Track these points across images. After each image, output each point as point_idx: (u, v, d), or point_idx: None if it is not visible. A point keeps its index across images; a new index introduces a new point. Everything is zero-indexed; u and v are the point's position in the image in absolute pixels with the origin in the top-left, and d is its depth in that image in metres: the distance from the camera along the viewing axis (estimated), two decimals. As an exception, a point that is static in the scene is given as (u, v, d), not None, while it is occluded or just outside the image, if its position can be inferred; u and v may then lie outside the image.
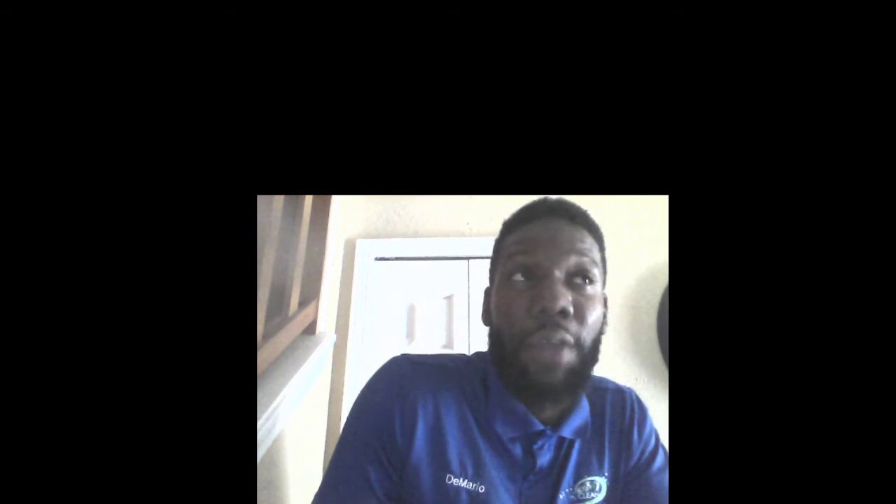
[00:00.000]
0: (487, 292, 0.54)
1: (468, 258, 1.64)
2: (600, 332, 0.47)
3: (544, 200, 0.51)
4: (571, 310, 0.43)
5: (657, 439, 0.54)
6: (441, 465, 0.45)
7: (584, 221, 0.49)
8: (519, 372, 0.44)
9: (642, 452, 0.52)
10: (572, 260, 0.45)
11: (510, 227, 0.51)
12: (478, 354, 0.54)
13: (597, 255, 0.48)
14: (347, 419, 0.50)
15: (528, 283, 0.45)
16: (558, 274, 0.44)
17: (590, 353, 0.45)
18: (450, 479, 0.45)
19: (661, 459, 0.52)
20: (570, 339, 0.43)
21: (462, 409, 0.48)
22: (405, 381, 0.48)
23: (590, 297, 0.45)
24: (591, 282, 0.46)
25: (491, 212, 1.66)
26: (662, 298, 1.54)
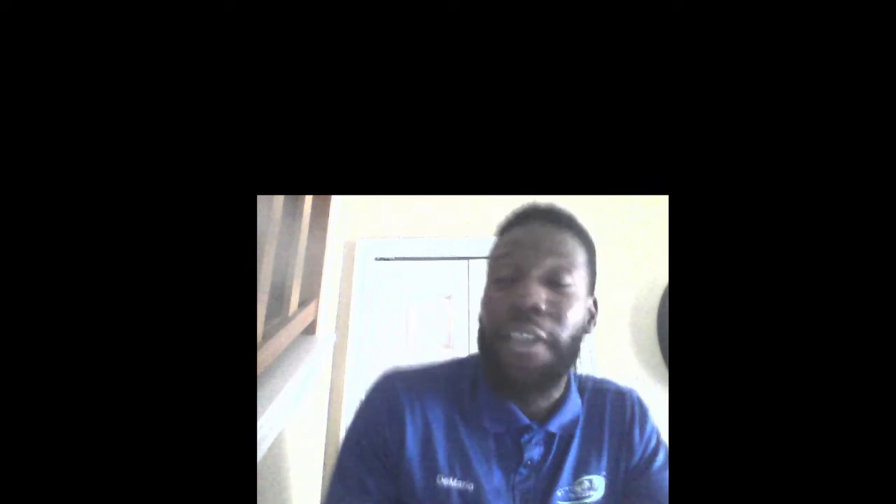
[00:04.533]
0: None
1: (468, 258, 1.64)
2: (581, 331, 0.49)
3: (533, 205, 0.53)
4: (543, 307, 0.45)
5: (658, 438, 0.55)
6: (431, 467, 0.48)
7: (569, 226, 0.51)
8: (496, 364, 0.47)
9: (644, 451, 0.53)
10: (549, 261, 0.48)
11: (501, 230, 0.54)
12: (472, 356, 0.57)
13: (580, 259, 0.50)
14: (346, 433, 0.54)
15: (511, 280, 0.48)
16: (535, 273, 0.47)
17: (567, 351, 0.47)
18: (440, 479, 0.48)
19: (662, 458, 0.53)
20: (542, 334, 0.45)
21: (450, 413, 0.51)
22: (393, 395, 0.51)
23: (567, 297, 0.47)
24: (569, 283, 0.47)
25: (491, 212, 1.66)
26: (662, 298, 1.54)
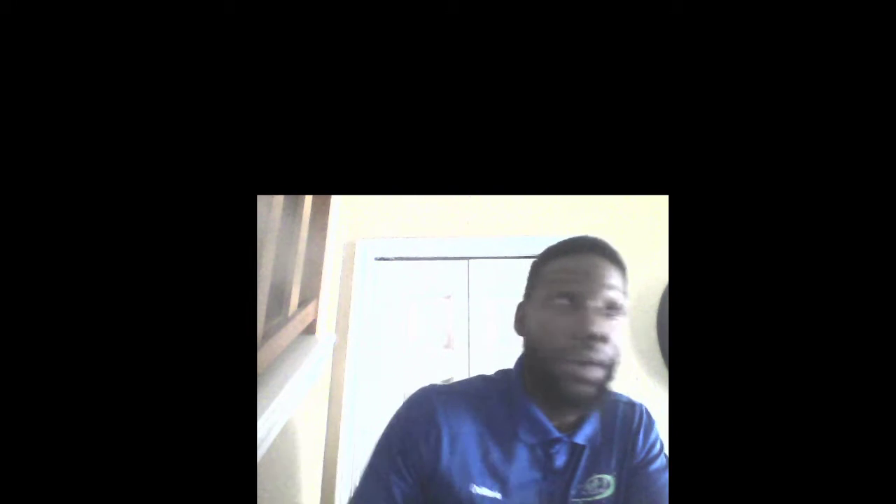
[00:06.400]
0: (522, 306, 0.62)
1: (468, 258, 1.64)
2: (620, 354, 0.55)
3: (586, 237, 0.59)
4: (601, 335, 0.51)
5: (662, 447, 0.61)
6: (465, 478, 0.54)
7: (616, 260, 0.57)
8: (552, 381, 0.52)
9: (647, 454, 0.59)
10: (608, 293, 0.53)
11: (553, 254, 0.59)
12: (499, 372, 0.63)
13: (624, 290, 0.56)
14: (380, 438, 0.59)
15: (568, 307, 0.53)
16: (592, 304, 0.52)
17: (613, 371, 0.53)
18: (473, 488, 0.54)
19: (661, 462, 0.59)
20: (601, 358, 0.51)
21: (481, 426, 0.57)
22: (432, 409, 0.57)
23: (617, 326, 0.53)
24: (621, 313, 0.54)
25: (491, 212, 1.66)
26: (662, 298, 1.54)
